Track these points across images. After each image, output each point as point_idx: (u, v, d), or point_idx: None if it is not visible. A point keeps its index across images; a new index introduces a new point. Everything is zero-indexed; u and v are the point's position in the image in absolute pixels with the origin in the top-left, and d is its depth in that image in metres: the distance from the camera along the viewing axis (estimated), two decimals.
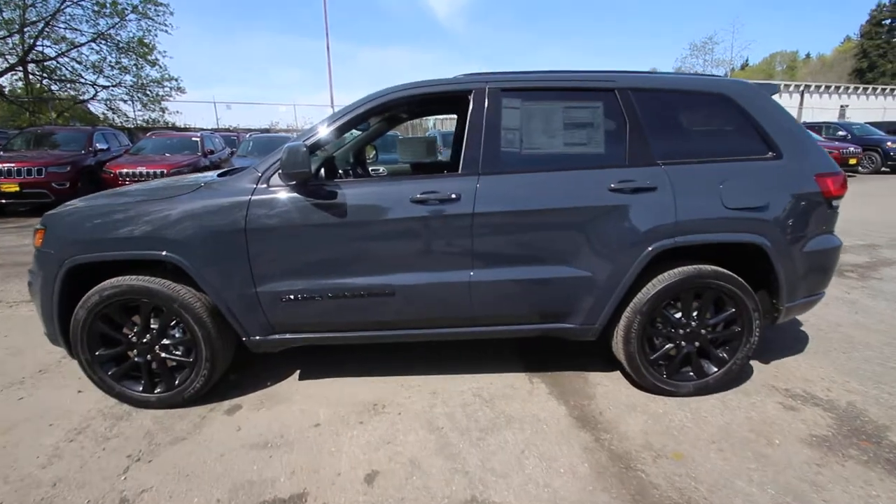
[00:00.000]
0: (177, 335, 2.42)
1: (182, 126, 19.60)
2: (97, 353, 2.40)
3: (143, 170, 8.98)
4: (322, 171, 2.80)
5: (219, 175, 2.57)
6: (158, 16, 18.88)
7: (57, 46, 18.29)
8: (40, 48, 18.23)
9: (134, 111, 20.18)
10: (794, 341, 3.24)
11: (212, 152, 10.85)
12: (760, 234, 2.34)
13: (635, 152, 2.36)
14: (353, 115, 2.39)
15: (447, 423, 2.32)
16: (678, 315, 2.46)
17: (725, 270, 2.38)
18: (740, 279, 2.39)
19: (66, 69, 18.93)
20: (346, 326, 2.45)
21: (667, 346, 2.49)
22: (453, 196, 2.27)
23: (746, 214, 2.34)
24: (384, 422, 2.33)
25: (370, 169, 3.97)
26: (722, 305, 2.45)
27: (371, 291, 2.33)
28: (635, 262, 2.32)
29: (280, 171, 2.24)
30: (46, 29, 17.55)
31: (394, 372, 2.80)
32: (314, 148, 2.38)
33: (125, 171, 8.94)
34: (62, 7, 17.37)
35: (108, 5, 17.93)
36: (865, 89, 35.17)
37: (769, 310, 2.55)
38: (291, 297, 2.34)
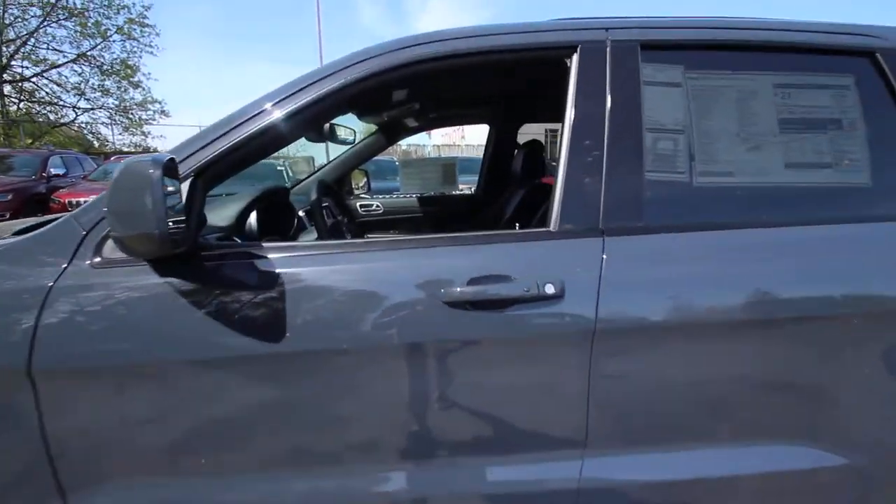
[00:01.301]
0: None
1: (164, 151, 18.34)
2: None
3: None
4: (251, 221, 1.37)
5: (16, 232, 1.19)
6: (144, 37, 17.91)
7: (37, 68, 17.24)
8: (19, 69, 17.14)
9: (113, 135, 18.98)
10: None
11: None
12: None
13: None
14: (313, 95, 1.04)
15: None
16: None
17: None
18: None
19: (45, 91, 17.82)
20: None
21: None
22: (549, 290, 0.94)
23: None
24: None
25: (359, 206, 2.65)
26: None
27: None
28: None
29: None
30: (24, 49, 16.50)
31: None
32: (214, 171, 1.03)
33: (75, 199, 7.59)
34: (41, 26, 16.38)
35: (90, 25, 16.95)
36: None
37: None
38: None
